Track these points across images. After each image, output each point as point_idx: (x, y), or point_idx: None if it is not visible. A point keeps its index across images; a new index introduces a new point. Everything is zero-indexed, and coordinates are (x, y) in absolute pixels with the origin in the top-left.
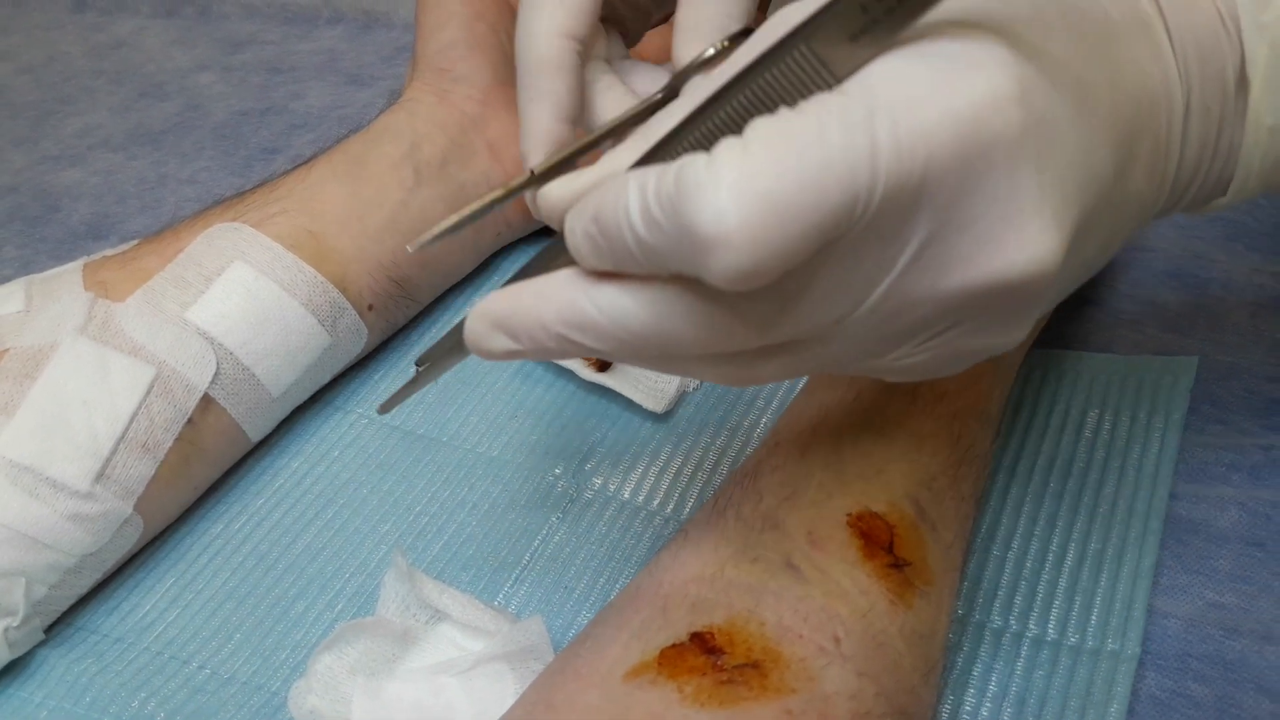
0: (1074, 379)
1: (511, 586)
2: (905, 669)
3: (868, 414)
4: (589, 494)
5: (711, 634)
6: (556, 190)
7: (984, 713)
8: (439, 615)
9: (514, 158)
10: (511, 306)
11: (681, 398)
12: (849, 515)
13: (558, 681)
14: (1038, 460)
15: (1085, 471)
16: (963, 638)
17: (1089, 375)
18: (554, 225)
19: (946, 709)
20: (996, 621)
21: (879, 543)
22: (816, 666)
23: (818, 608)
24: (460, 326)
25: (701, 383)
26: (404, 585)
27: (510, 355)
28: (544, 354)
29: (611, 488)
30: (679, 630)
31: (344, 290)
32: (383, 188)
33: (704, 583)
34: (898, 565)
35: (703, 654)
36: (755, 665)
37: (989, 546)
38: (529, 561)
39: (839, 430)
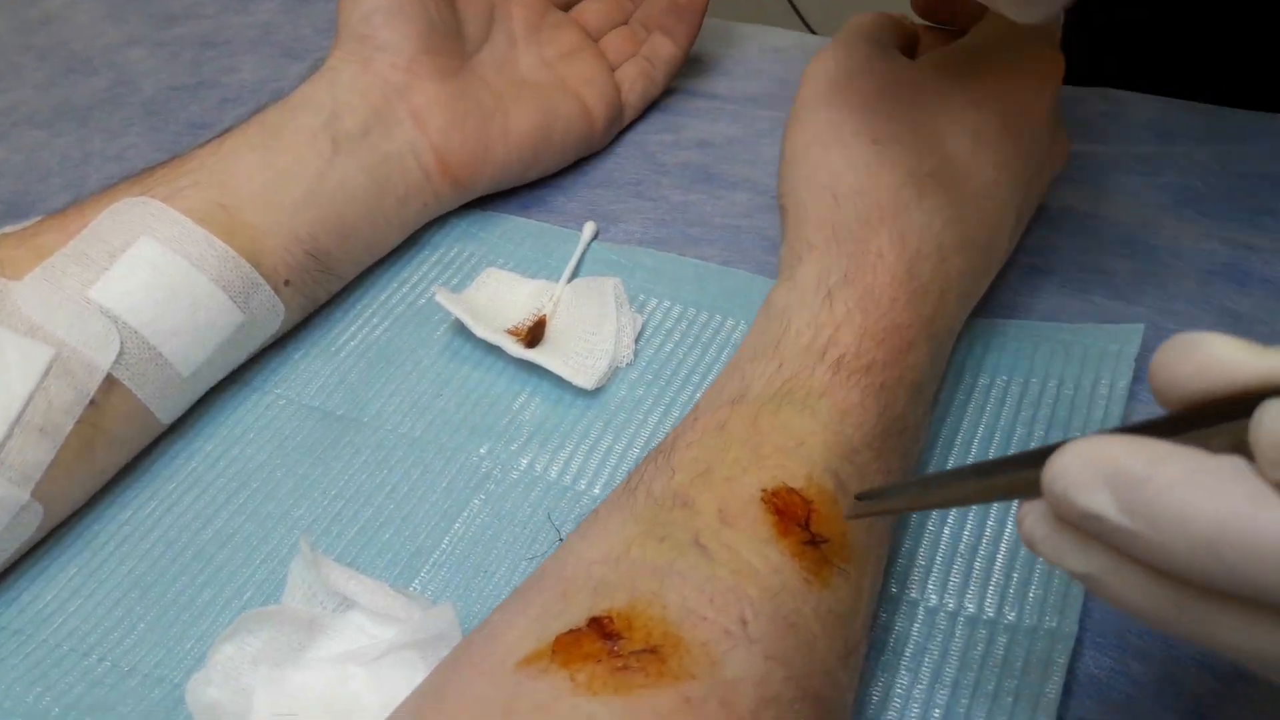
0: (1016, 348)
1: (429, 571)
2: (820, 651)
3: (789, 386)
4: (515, 474)
5: (610, 618)
6: (1180, 358)
7: (917, 693)
8: (348, 603)
9: (439, 126)
10: (1145, 470)
11: (614, 374)
12: (763, 491)
13: (449, 671)
14: (977, 432)
15: (1025, 443)
16: (895, 617)
17: (1031, 344)
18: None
19: (878, 690)
20: (931, 599)
21: (794, 519)
22: (720, 650)
23: (725, 588)
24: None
25: (635, 358)
26: (310, 572)
27: (1098, 528)
28: (1162, 557)
29: (539, 468)
30: (577, 615)
31: (258, 265)
32: (299, 159)
33: (608, 564)
34: (814, 542)
35: (599, 640)
36: (654, 651)
37: (924, 522)
38: (448, 546)
39: (758, 403)
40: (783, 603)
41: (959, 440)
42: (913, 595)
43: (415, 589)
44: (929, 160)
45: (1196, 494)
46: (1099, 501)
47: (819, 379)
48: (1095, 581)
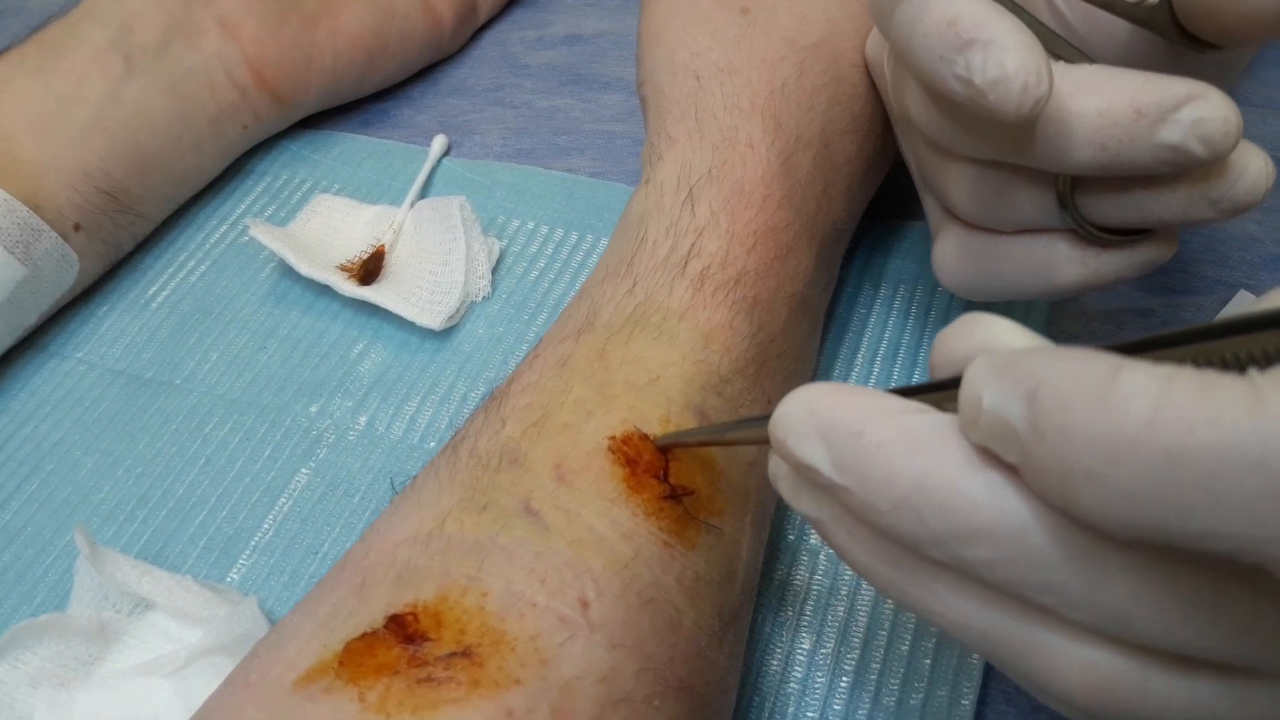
0: (921, 253)
1: (249, 557)
2: (686, 630)
3: (643, 309)
4: (351, 435)
5: (414, 615)
6: (960, 334)
7: (821, 658)
8: (145, 603)
9: (252, 32)
10: (857, 424)
11: (468, 310)
12: (610, 438)
13: (224, 693)
14: (880, 347)
15: None
16: (794, 568)
17: None
18: (941, 361)
19: (776, 659)
20: None
21: (650, 470)
22: (553, 644)
23: (561, 564)
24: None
25: (493, 290)
26: (97, 571)
27: (816, 479)
28: (870, 513)
29: (380, 426)
30: (375, 613)
31: (38, 208)
32: (83, 80)
33: (417, 544)
34: (675, 496)
35: (398, 644)
36: (467, 653)
37: None
38: (271, 526)
39: (607, 332)
40: (635, 575)
41: (859, 359)
42: (813, 542)
43: (233, 580)
44: (812, 29)
45: (903, 452)
46: (813, 453)
47: (678, 298)
48: (823, 528)
